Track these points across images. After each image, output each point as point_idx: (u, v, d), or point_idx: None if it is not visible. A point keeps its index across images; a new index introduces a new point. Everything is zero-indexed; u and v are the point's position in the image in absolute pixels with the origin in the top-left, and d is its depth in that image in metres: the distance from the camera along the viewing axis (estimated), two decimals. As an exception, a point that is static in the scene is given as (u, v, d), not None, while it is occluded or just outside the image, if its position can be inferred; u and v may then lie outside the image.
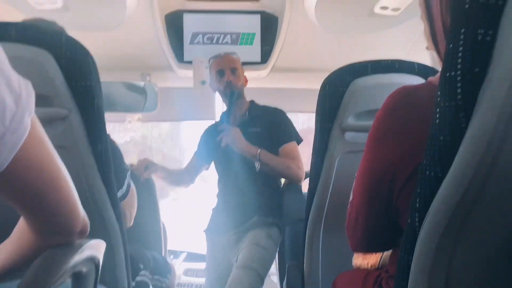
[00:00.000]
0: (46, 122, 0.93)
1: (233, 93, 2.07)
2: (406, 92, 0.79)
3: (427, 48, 2.38)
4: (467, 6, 0.49)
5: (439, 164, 0.56)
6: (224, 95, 2.13)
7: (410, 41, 2.39)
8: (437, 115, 0.55)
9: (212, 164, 2.33)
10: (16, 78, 0.52)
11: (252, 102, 2.24)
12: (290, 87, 2.71)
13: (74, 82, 0.98)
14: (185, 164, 2.43)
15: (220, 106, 2.43)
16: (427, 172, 0.57)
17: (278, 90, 2.70)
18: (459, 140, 0.53)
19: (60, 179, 0.62)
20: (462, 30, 0.50)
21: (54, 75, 0.95)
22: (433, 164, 0.56)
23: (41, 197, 0.60)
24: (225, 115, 2.22)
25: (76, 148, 1.00)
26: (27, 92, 0.53)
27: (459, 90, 0.51)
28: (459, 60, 0.50)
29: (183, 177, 2.36)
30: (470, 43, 0.49)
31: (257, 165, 1.97)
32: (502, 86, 0.47)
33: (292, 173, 2.01)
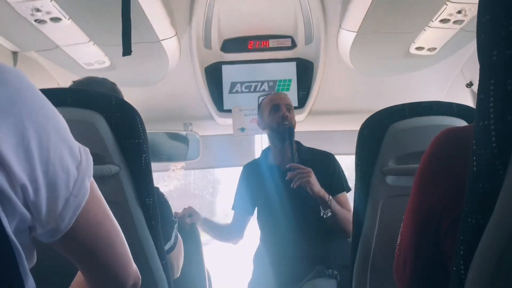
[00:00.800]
0: (98, 178, 0.98)
1: (292, 128, 1.95)
2: (452, 134, 0.79)
3: (467, 85, 2.34)
4: (494, 58, 0.51)
5: (480, 212, 0.56)
6: (277, 131, 1.99)
7: (448, 80, 2.37)
8: (474, 163, 0.56)
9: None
10: (77, 146, 0.58)
11: (298, 143, 2.11)
12: (328, 129, 2.73)
13: (124, 140, 1.04)
14: (221, 209, 2.38)
15: (259, 151, 2.44)
16: (469, 220, 0.57)
17: (316, 133, 2.72)
18: (498, 187, 0.53)
19: (115, 235, 0.67)
20: (492, 81, 0.51)
21: (105, 135, 1.02)
22: (474, 211, 0.56)
23: (98, 253, 0.64)
24: (267, 152, 2.16)
25: (126, 202, 1.05)
26: (87, 158, 0.59)
27: (493, 139, 0.52)
28: (491, 110, 0.51)
29: (230, 233, 2.21)
30: (500, 93, 0.50)
31: (326, 212, 1.84)
32: (536, 133, 0.48)
33: (350, 227, 1.82)
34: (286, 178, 1.85)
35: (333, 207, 1.85)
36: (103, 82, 1.38)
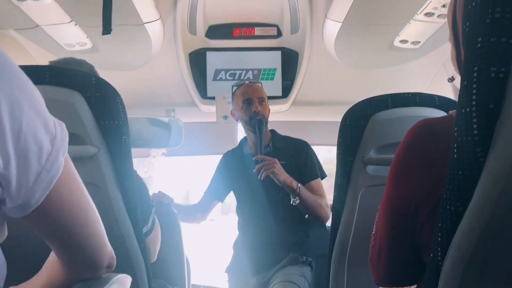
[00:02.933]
0: (77, 159, 0.96)
1: (262, 122, 1.99)
2: (427, 125, 0.80)
3: (448, 80, 2.36)
4: (479, 45, 0.51)
5: (459, 199, 0.56)
6: (250, 124, 2.04)
7: (431, 73, 2.40)
8: (455, 150, 0.56)
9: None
10: (52, 120, 0.56)
11: (273, 132, 2.18)
12: (310, 120, 2.74)
13: (103, 121, 1.02)
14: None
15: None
16: (448, 207, 0.58)
17: (299, 123, 2.73)
18: (478, 174, 0.53)
19: (90, 214, 0.65)
20: (475, 68, 0.51)
21: (84, 115, 1.00)
22: (453, 198, 0.57)
23: (72, 232, 0.63)
24: (244, 142, 2.19)
25: (104, 184, 1.04)
26: (62, 133, 0.57)
27: (475, 126, 0.52)
28: (474, 97, 0.52)
29: (195, 213, 2.25)
30: (483, 80, 0.51)
31: (295, 200, 1.90)
32: (518, 121, 0.48)
33: (323, 212, 1.96)
34: (253, 171, 1.91)
35: (302, 194, 1.90)
36: (81, 62, 1.35)
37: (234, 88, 2.17)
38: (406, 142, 0.80)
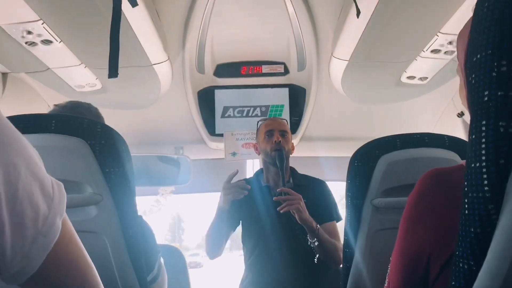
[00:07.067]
0: (79, 207, 0.96)
1: (281, 152, 1.95)
2: (437, 176, 0.77)
3: (458, 115, 2.34)
4: (485, 98, 0.49)
5: (472, 257, 0.53)
6: (270, 156, 1.99)
7: (440, 108, 2.38)
8: (466, 206, 0.54)
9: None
10: (49, 182, 0.55)
11: (293, 170, 2.14)
12: (319, 155, 2.72)
13: (108, 168, 1.01)
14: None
15: (250, 176, 2.41)
16: (461, 264, 0.55)
17: (308, 158, 2.71)
18: (491, 232, 0.51)
19: (88, 275, 0.63)
20: (483, 122, 0.50)
21: (89, 162, 0.98)
22: (466, 256, 0.54)
23: None
24: (259, 174, 2.14)
25: (108, 232, 1.02)
26: (60, 194, 0.55)
27: (485, 182, 0.50)
28: (483, 152, 0.50)
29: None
30: (492, 135, 0.49)
31: (313, 241, 1.81)
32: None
33: (338, 256, 1.85)
34: (274, 199, 1.85)
35: (321, 236, 1.82)
36: (89, 107, 1.36)
37: (260, 123, 2.17)
38: (416, 193, 0.78)
